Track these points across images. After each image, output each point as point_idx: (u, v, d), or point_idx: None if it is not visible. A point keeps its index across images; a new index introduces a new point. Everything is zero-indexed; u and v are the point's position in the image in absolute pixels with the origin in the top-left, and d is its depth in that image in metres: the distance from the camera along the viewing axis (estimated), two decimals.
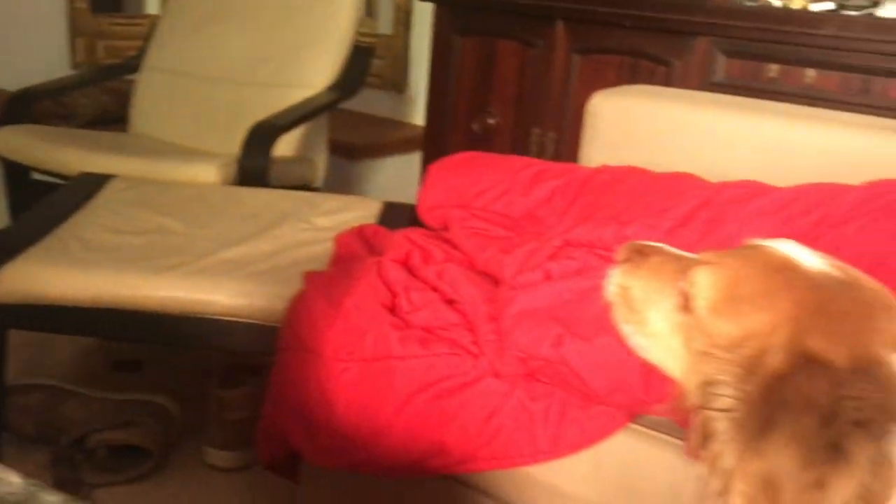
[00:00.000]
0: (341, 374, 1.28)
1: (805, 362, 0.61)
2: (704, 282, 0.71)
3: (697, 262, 0.74)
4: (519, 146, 2.78)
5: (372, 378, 1.26)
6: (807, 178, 1.42)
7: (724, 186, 1.18)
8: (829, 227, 1.04)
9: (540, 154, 2.70)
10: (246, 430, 1.83)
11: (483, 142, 2.86)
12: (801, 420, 0.59)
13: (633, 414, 1.11)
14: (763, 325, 0.65)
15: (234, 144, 2.39)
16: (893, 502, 0.58)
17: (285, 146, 2.57)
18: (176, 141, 2.75)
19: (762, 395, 0.62)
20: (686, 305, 0.73)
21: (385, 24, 3.58)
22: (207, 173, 2.29)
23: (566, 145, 2.61)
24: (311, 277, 1.46)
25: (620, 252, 0.84)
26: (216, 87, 2.80)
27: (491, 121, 2.88)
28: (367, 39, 3.49)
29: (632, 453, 1.12)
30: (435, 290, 1.41)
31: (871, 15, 2.24)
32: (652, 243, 0.83)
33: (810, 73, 2.26)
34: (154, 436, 1.84)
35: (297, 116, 2.47)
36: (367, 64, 2.82)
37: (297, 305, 1.40)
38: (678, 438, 1.04)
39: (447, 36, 2.94)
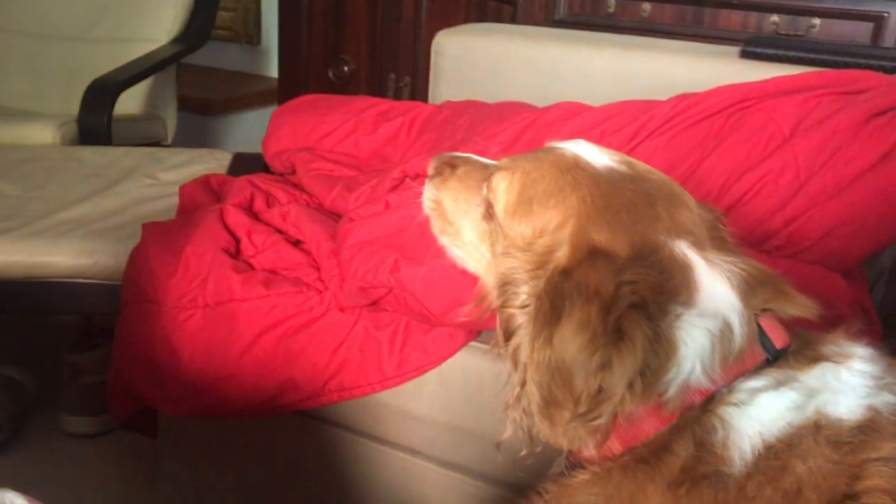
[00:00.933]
0: (185, 322, 1.26)
1: (588, 254, 0.64)
2: (501, 187, 0.73)
3: (497, 168, 0.76)
4: (376, 92, 2.77)
5: (216, 323, 1.24)
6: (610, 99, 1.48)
7: (547, 109, 1.22)
8: (643, 140, 1.10)
9: (397, 99, 2.70)
10: (102, 393, 1.78)
11: (340, 89, 2.83)
12: (585, 308, 0.61)
13: (472, 331, 1.15)
14: (552, 221, 0.68)
15: (74, 104, 2.28)
16: (671, 374, 0.62)
17: (130, 103, 2.48)
18: (9, 103, 2.59)
19: (550, 288, 0.64)
20: (488, 212, 0.76)
21: None
22: (43, 134, 2.18)
23: (421, 90, 2.62)
24: (149, 228, 1.42)
25: (431, 166, 0.86)
26: (50, 44, 2.64)
27: (346, 68, 2.86)
28: None
29: (474, 369, 1.16)
30: (280, 231, 1.40)
31: None
32: (460, 154, 0.85)
33: (646, 7, 2.34)
34: (3, 407, 1.77)
35: (138, 71, 2.37)
36: (212, 14, 2.73)
37: (136, 257, 1.36)
38: None
39: None
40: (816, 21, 2.15)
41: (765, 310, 0.64)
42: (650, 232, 0.67)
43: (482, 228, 0.78)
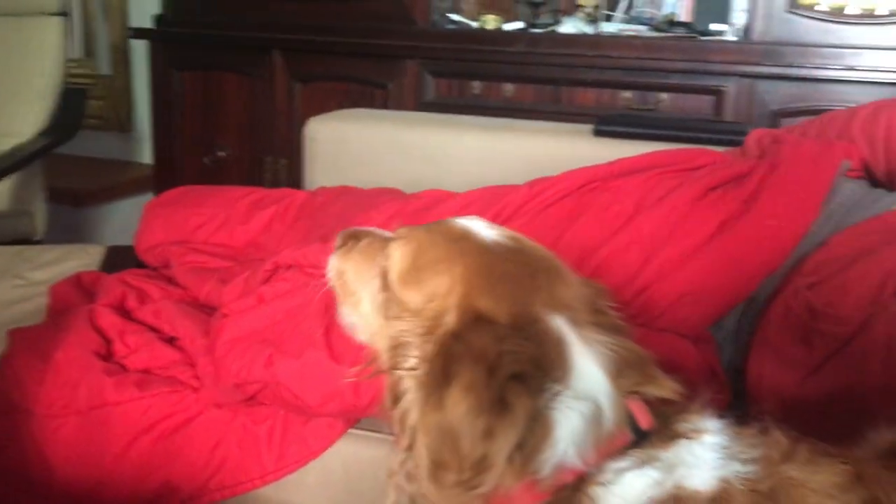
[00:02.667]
0: (58, 430, 1.23)
1: (474, 319, 0.68)
2: (396, 255, 0.77)
3: (394, 239, 0.80)
4: (254, 175, 2.79)
5: (90, 428, 1.22)
6: (509, 182, 1.57)
7: (411, 198, 1.27)
8: (503, 224, 1.16)
9: (275, 181, 2.72)
10: None
11: (216, 175, 2.84)
12: (472, 369, 0.64)
13: (351, 420, 1.17)
14: (441, 287, 0.71)
15: None
16: (546, 454, 0.64)
17: None
18: None
19: (440, 350, 0.67)
20: (384, 282, 0.79)
21: (104, 64, 3.44)
22: None
23: (298, 171, 2.65)
24: (15, 335, 1.38)
25: (338, 239, 0.90)
26: None
27: (222, 153, 2.86)
28: (85, 80, 3.33)
29: (354, 457, 1.18)
30: (154, 329, 1.39)
31: (553, 31, 2.49)
32: (364, 228, 0.90)
33: (508, 88, 2.47)
34: None
35: (2, 167, 2.31)
36: (81, 106, 2.70)
37: (3, 366, 1.32)
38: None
39: (165, 72, 2.89)
40: (664, 96, 2.33)
41: (633, 392, 0.69)
42: (529, 303, 0.70)
43: (379, 300, 0.81)
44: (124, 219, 3.10)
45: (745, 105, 2.24)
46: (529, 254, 0.75)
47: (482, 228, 0.77)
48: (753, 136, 1.39)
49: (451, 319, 0.70)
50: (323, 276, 1.21)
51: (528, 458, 0.64)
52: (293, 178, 2.67)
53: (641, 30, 2.46)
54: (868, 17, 2.20)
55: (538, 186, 1.21)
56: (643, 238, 1.14)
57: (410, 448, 0.69)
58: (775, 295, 1.10)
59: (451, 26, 2.59)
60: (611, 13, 2.56)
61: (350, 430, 1.18)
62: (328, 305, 1.15)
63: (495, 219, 1.20)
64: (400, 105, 2.53)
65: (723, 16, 2.47)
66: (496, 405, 0.63)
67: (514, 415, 0.63)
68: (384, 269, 0.78)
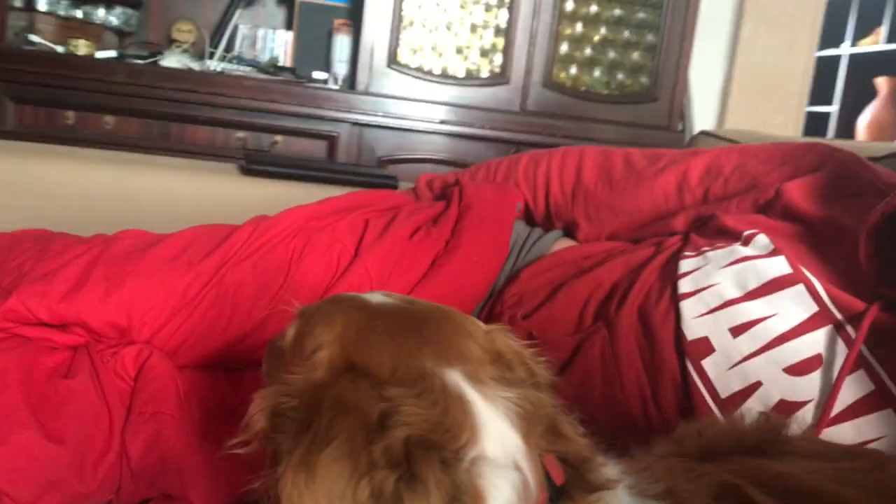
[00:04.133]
0: None
1: (345, 370, 0.63)
2: (289, 333, 0.72)
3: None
4: None
5: None
6: (118, 219, 1.41)
7: (111, 240, 1.09)
8: (233, 265, 1.07)
9: None
10: None
11: None
12: (343, 424, 0.58)
13: None
14: (316, 346, 0.65)
15: None
16: None
17: None
18: None
19: (303, 404, 0.60)
20: (283, 360, 0.72)
21: None
22: None
23: None
24: None
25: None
26: None
27: None
28: None
29: None
30: None
31: (156, 64, 2.35)
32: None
33: (109, 119, 2.26)
34: None
35: None
36: None
37: None
38: None
39: None
40: (279, 138, 2.34)
41: (546, 450, 0.66)
42: (416, 356, 0.64)
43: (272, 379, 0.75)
44: None
45: (356, 151, 2.38)
46: (418, 309, 0.71)
47: (372, 295, 0.72)
48: (423, 180, 1.49)
49: (320, 374, 0.64)
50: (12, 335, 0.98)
51: None
52: None
53: (249, 71, 2.45)
54: (450, 77, 2.51)
55: (262, 226, 1.13)
56: (371, 276, 1.14)
57: None
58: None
59: (29, 48, 2.27)
60: (213, 50, 2.51)
61: None
62: (32, 366, 0.94)
63: (224, 259, 1.10)
64: None
65: (322, 64, 2.58)
66: (395, 469, 0.58)
67: (427, 488, 0.56)
68: (280, 350, 0.72)
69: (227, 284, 1.06)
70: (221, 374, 1.07)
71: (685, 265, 1.08)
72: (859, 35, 5.11)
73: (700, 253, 1.09)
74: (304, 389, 0.64)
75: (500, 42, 2.50)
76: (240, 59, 2.49)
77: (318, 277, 1.13)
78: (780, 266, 1.01)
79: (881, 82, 4.83)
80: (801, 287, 0.98)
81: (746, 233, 1.08)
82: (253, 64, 2.47)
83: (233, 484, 0.92)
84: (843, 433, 0.89)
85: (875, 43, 5.00)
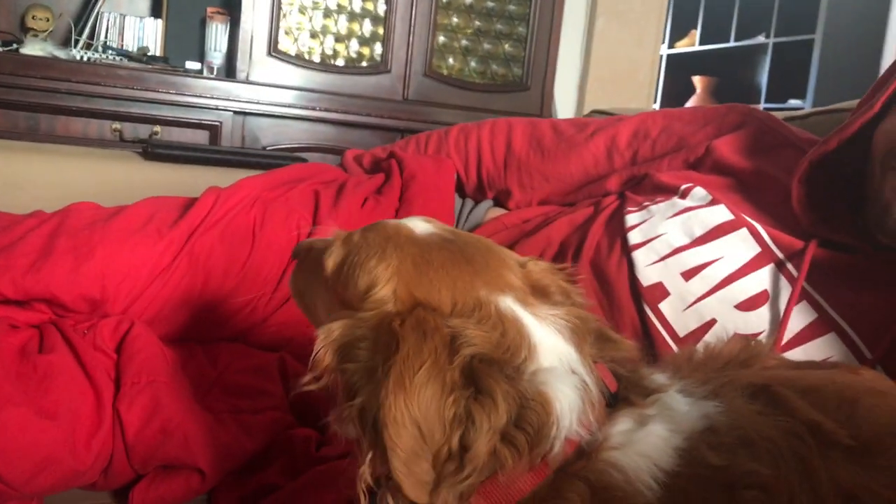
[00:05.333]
0: None
1: (414, 305, 0.65)
2: (330, 259, 0.73)
3: (331, 243, 0.75)
4: None
5: None
6: (15, 208, 1.33)
7: (65, 214, 1.02)
8: (202, 233, 1.03)
9: None
10: None
11: None
12: (428, 352, 0.60)
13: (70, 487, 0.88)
14: (377, 281, 0.67)
15: None
16: (554, 431, 0.61)
17: None
18: None
19: (385, 340, 0.62)
20: (325, 284, 0.73)
21: None
22: None
23: None
24: None
25: (293, 254, 0.81)
26: None
27: None
28: None
29: None
30: None
31: (17, 52, 2.19)
32: (315, 238, 0.82)
33: None
34: None
35: None
36: None
37: None
38: None
39: None
40: (158, 128, 2.25)
41: (597, 357, 0.70)
42: (471, 288, 0.68)
43: (327, 301, 0.74)
44: None
45: (240, 140, 2.32)
46: (464, 242, 0.74)
47: (417, 224, 0.75)
48: (350, 156, 1.50)
49: (392, 307, 0.67)
50: None
51: (537, 440, 0.61)
52: None
53: (120, 60, 2.33)
54: (331, 66, 2.51)
55: (223, 196, 1.10)
56: None
57: (374, 446, 0.62)
58: None
59: None
60: (77, 38, 2.36)
61: None
62: (25, 342, 0.88)
63: (193, 227, 1.07)
64: None
65: (195, 54, 2.50)
66: (467, 391, 0.62)
67: (494, 400, 0.61)
68: (324, 272, 0.72)
69: (198, 253, 1.04)
70: (197, 346, 1.04)
71: (631, 219, 1.16)
72: (675, 37, 5.56)
73: (643, 207, 1.18)
74: (380, 322, 0.65)
75: (380, 31, 2.52)
76: (106, 48, 2.36)
77: (282, 245, 1.13)
78: (722, 213, 1.11)
79: (697, 81, 5.29)
80: (744, 231, 1.09)
81: (683, 187, 1.18)
82: (122, 53, 2.36)
83: (232, 450, 0.90)
84: (795, 358, 0.99)
85: (691, 44, 5.46)
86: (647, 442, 0.63)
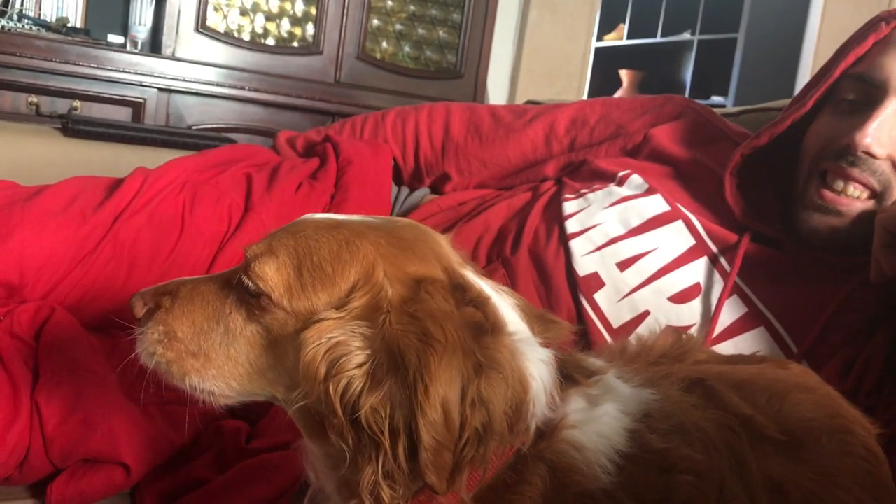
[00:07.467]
0: None
1: (416, 284, 0.62)
2: (270, 272, 0.63)
3: (248, 263, 0.64)
4: None
5: None
6: None
7: None
8: (126, 220, 0.98)
9: None
10: None
11: None
12: (450, 334, 0.57)
13: None
14: (359, 273, 0.62)
15: None
16: (531, 409, 0.61)
17: None
18: None
19: (401, 326, 0.58)
20: (260, 306, 0.63)
21: None
22: None
23: None
24: None
25: (136, 306, 0.68)
26: None
27: None
28: None
29: None
30: None
31: None
32: (166, 282, 0.69)
33: None
34: None
35: None
36: None
37: None
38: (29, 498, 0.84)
39: None
40: (78, 103, 2.15)
41: (544, 338, 0.68)
42: (448, 261, 0.66)
43: (249, 332, 0.64)
44: None
45: (164, 118, 2.24)
46: (403, 225, 0.71)
47: (339, 216, 0.70)
48: (282, 138, 1.46)
49: (392, 293, 0.62)
50: None
51: (516, 419, 0.59)
52: None
53: (37, 30, 2.22)
54: (261, 45, 2.44)
55: (150, 178, 1.05)
56: (268, 227, 1.10)
57: (396, 446, 0.58)
58: None
59: None
60: None
61: None
62: None
63: (119, 210, 1.02)
64: None
65: (118, 27, 2.40)
66: (481, 365, 0.58)
67: (503, 373, 0.59)
68: (257, 294, 0.64)
69: (123, 239, 0.99)
70: (122, 335, 0.99)
71: (569, 207, 1.17)
72: (604, 30, 5.63)
73: (580, 195, 1.19)
74: (376, 317, 0.61)
75: (313, 11, 2.47)
76: (22, 16, 2.24)
77: (213, 230, 1.09)
78: (658, 204, 1.13)
79: (624, 74, 5.37)
80: (679, 223, 1.11)
81: (621, 174, 1.19)
82: (41, 24, 2.24)
83: (159, 443, 0.87)
84: (725, 351, 1.01)
85: (619, 38, 5.54)
86: (603, 422, 0.63)
